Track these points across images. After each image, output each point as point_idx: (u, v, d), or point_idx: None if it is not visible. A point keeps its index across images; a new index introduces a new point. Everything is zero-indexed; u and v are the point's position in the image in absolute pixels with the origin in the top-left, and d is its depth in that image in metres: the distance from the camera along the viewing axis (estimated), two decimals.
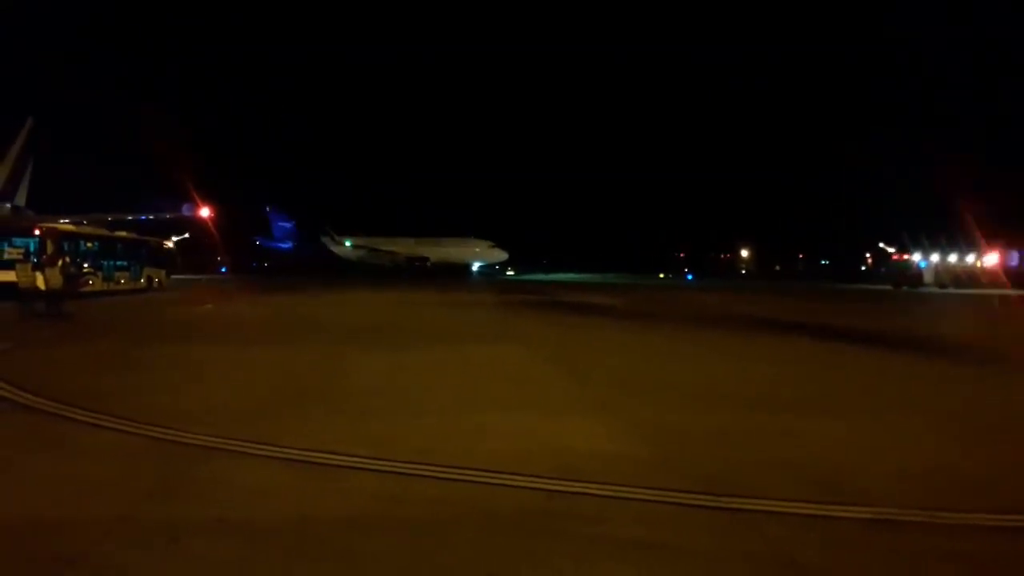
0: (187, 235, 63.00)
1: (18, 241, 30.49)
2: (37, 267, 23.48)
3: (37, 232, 30.35)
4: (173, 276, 44.32)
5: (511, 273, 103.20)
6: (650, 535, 4.49)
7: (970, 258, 66.62)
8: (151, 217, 48.90)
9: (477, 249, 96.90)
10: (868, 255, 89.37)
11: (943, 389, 10.66)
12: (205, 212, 52.00)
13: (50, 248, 28.54)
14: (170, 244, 45.90)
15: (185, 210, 50.16)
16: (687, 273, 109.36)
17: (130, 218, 45.92)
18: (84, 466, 5.87)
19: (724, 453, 6.45)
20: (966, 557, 4.27)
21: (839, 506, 5.02)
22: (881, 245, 75.00)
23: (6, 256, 29.46)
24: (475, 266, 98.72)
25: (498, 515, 4.83)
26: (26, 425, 7.34)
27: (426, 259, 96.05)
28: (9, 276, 25.14)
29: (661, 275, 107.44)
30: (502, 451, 6.36)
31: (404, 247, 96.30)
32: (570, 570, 3.98)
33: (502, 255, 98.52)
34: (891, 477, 5.81)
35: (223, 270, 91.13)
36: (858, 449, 6.77)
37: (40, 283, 22.03)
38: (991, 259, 66.10)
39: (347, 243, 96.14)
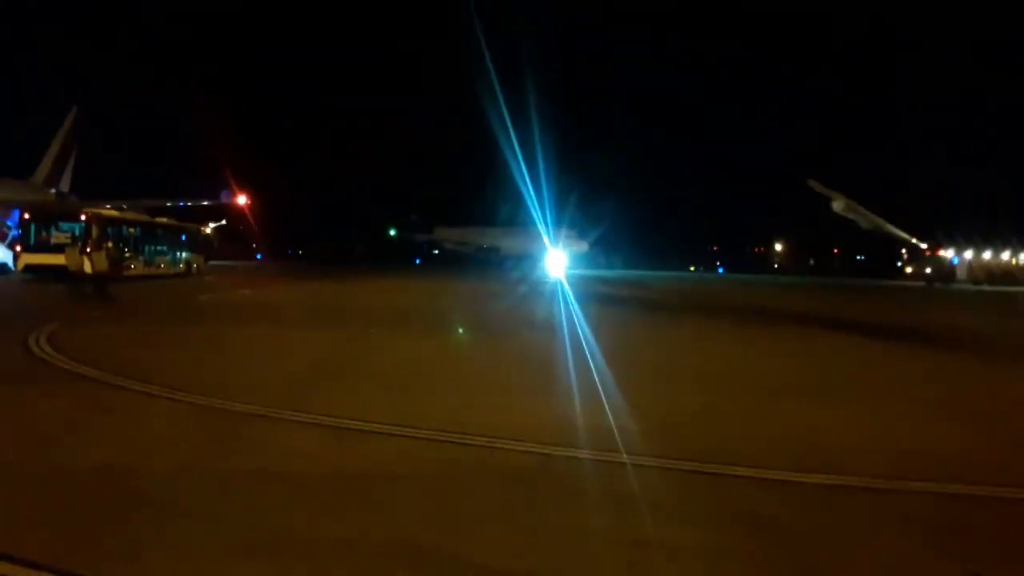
0: (224, 221, 64.43)
1: (64, 226, 31.76)
2: (83, 251, 24.63)
3: (83, 217, 31.57)
4: (210, 262, 45.65)
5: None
6: (630, 489, 5.14)
7: (1005, 255, 65.62)
8: (189, 204, 50.21)
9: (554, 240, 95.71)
10: (904, 250, 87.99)
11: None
12: (242, 199, 53.21)
13: (95, 233, 29.78)
14: (208, 230, 47.20)
15: (223, 197, 51.39)
16: (718, 267, 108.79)
17: (168, 204, 47.16)
18: (143, 426, 6.64)
19: (715, 431, 7.03)
20: (916, 519, 4.81)
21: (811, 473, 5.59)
22: (914, 241, 73.92)
23: (53, 240, 30.76)
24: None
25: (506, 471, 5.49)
26: (86, 393, 8.14)
27: (495, 249, 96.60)
28: (58, 259, 26.36)
29: (692, 268, 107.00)
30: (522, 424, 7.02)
31: (488, 238, 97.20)
32: (556, 515, 4.62)
33: (581, 246, 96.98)
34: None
35: (258, 257, 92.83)
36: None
37: (87, 267, 23.16)
38: None
39: (391, 232, 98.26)
